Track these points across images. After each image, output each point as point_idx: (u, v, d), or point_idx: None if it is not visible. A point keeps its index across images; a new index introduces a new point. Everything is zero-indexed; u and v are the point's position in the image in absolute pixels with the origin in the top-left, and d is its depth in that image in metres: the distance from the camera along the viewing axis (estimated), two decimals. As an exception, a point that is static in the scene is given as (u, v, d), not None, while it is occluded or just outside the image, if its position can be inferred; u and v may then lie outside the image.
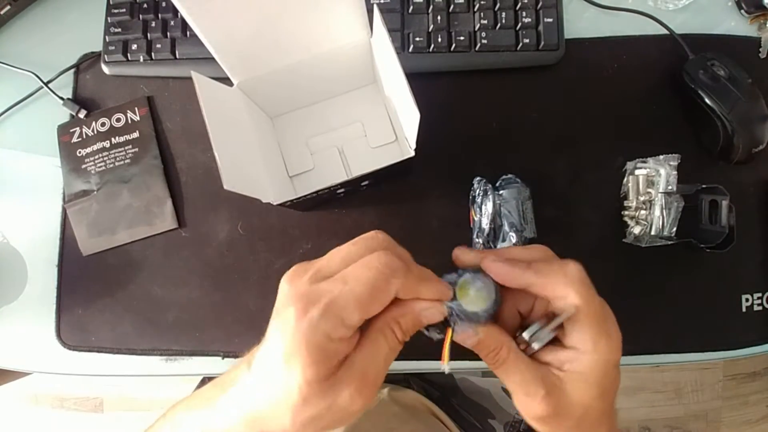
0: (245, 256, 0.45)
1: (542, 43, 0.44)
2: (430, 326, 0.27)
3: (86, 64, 0.48)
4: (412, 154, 0.36)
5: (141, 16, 0.46)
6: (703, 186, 0.42)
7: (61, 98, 0.47)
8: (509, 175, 0.43)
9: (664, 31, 0.46)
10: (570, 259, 0.27)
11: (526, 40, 0.44)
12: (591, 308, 0.26)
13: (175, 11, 0.46)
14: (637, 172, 0.43)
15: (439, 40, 0.44)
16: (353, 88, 0.45)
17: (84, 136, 0.47)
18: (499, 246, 0.41)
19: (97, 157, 0.47)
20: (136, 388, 1.21)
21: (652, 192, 0.42)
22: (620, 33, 0.47)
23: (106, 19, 0.47)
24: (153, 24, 0.46)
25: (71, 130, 0.47)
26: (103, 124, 0.47)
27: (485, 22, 0.45)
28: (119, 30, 0.46)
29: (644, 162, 0.43)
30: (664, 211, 0.41)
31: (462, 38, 0.44)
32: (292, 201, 0.37)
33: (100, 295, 0.45)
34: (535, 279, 0.26)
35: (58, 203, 0.47)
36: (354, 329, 0.24)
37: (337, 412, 0.24)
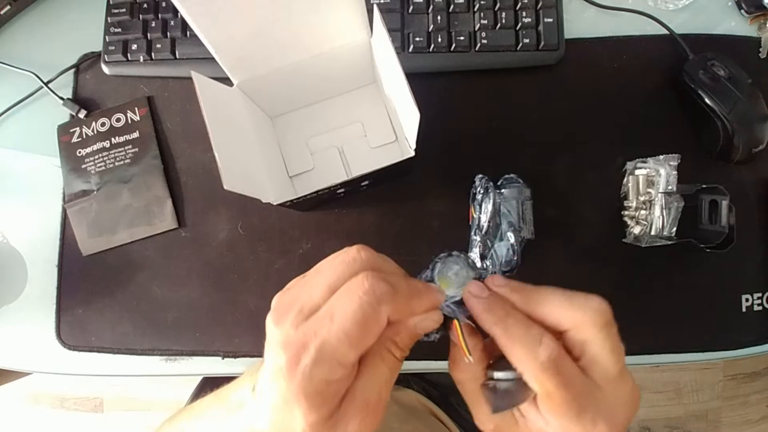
0: (245, 256, 0.45)
1: (542, 43, 0.44)
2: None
3: (86, 64, 0.48)
4: (412, 154, 0.36)
5: (141, 16, 0.46)
6: (703, 186, 0.42)
7: (61, 98, 0.47)
8: (511, 175, 0.43)
9: (664, 31, 0.46)
10: (590, 323, 0.23)
11: (526, 40, 0.44)
12: (560, 397, 0.22)
13: (175, 11, 0.46)
14: (637, 172, 0.43)
15: (439, 40, 0.44)
16: (353, 88, 0.45)
17: (84, 136, 0.47)
18: (496, 245, 0.41)
19: (97, 157, 0.47)
20: (136, 388, 1.21)
21: (652, 192, 0.42)
22: (620, 33, 0.47)
23: (106, 19, 0.47)
24: (153, 24, 0.46)
25: (71, 130, 0.47)
26: (103, 124, 0.47)
27: (485, 22, 0.45)
28: (119, 30, 0.46)
29: (644, 162, 0.43)
30: (664, 211, 0.41)
31: (462, 38, 0.44)
32: (292, 201, 0.37)
33: (100, 295, 0.45)
34: (503, 338, 0.24)
35: (58, 203, 0.47)
36: (352, 365, 0.23)
37: None
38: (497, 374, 0.25)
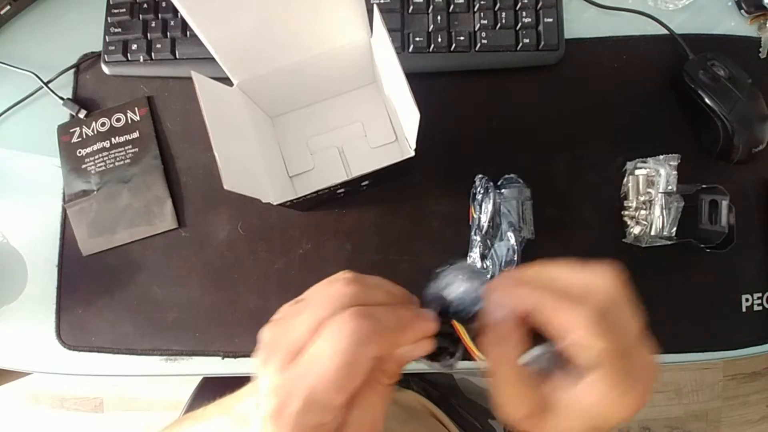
0: (245, 256, 0.45)
1: (542, 43, 0.44)
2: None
3: (86, 64, 0.48)
4: (412, 154, 0.36)
5: (141, 16, 0.46)
6: (703, 186, 0.42)
7: (61, 98, 0.47)
8: (511, 175, 0.43)
9: (664, 31, 0.46)
10: (605, 287, 0.24)
11: (526, 40, 0.44)
12: (607, 357, 0.22)
13: (175, 11, 0.46)
14: (637, 172, 0.43)
15: (439, 40, 0.44)
16: (353, 88, 0.45)
17: (84, 136, 0.47)
18: (496, 245, 0.41)
19: (97, 157, 0.47)
20: (136, 388, 1.21)
21: (652, 192, 0.42)
22: (620, 33, 0.47)
23: (106, 19, 0.47)
24: (153, 24, 0.46)
25: (71, 130, 0.47)
26: (103, 124, 0.47)
27: (485, 22, 0.45)
28: (119, 30, 0.46)
29: (644, 162, 0.43)
30: (664, 211, 0.41)
31: (462, 38, 0.44)
32: (292, 201, 0.37)
33: (100, 295, 0.45)
34: (547, 303, 0.23)
35: (58, 203, 0.47)
36: (342, 406, 0.22)
37: None
38: (534, 351, 0.25)
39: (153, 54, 0.46)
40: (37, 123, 0.48)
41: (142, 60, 0.46)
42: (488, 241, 0.41)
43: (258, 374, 0.23)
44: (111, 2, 0.47)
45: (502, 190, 0.41)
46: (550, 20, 0.45)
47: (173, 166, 0.46)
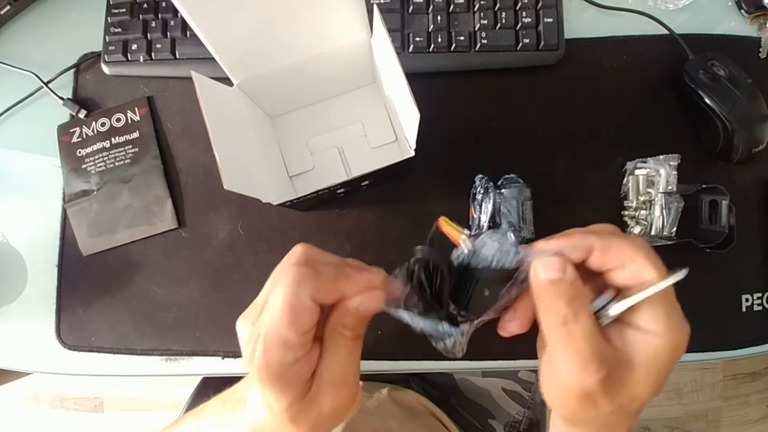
0: (245, 256, 0.45)
1: (542, 43, 0.44)
2: (402, 304, 0.27)
3: (86, 64, 0.48)
4: (412, 154, 0.36)
5: (141, 16, 0.46)
6: (703, 186, 0.42)
7: (61, 98, 0.47)
8: (511, 175, 0.43)
9: (664, 31, 0.46)
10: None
11: (526, 40, 0.44)
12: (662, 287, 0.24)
13: (175, 11, 0.46)
14: (637, 172, 0.43)
15: (439, 40, 0.44)
16: (353, 88, 0.45)
17: (84, 136, 0.47)
18: None
19: (97, 157, 0.47)
20: (136, 388, 1.21)
21: (652, 192, 0.42)
22: (620, 33, 0.47)
23: (106, 19, 0.47)
24: (153, 24, 0.46)
25: (71, 130, 0.47)
26: (103, 124, 0.47)
27: (485, 22, 0.45)
28: (119, 30, 0.46)
29: (644, 162, 0.43)
30: (664, 211, 0.41)
31: (462, 38, 0.44)
32: (292, 201, 0.37)
33: (100, 295, 0.45)
34: (599, 242, 0.25)
35: (58, 203, 0.47)
36: (304, 347, 0.25)
37: (329, 417, 0.26)
38: (597, 301, 0.25)
39: (153, 54, 0.46)
40: (37, 123, 0.48)
41: (142, 60, 0.46)
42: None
43: (237, 331, 0.27)
44: (111, 2, 0.47)
45: (502, 190, 0.41)
46: (550, 20, 0.45)
47: (173, 166, 0.46)
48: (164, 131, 0.47)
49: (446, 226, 0.29)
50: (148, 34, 0.46)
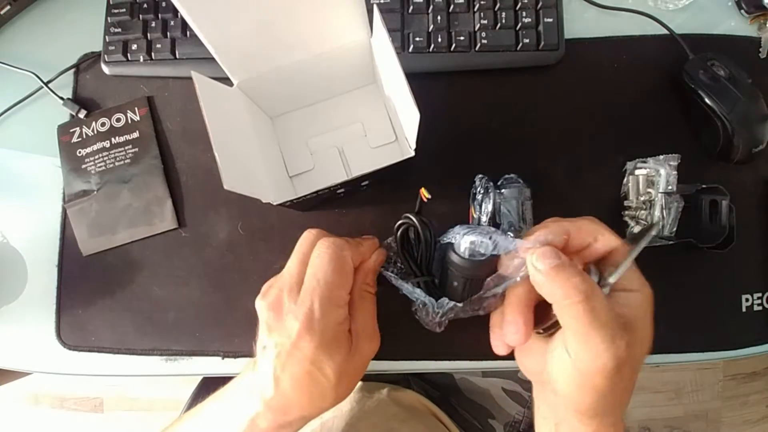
0: (245, 256, 0.45)
1: (542, 43, 0.44)
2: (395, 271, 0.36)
3: (86, 64, 0.48)
4: (412, 154, 0.36)
5: (141, 16, 0.46)
6: (703, 186, 0.42)
7: (61, 98, 0.47)
8: (511, 175, 0.43)
9: (664, 31, 0.46)
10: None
11: (526, 40, 0.44)
12: (623, 247, 0.28)
13: (175, 11, 0.46)
14: (637, 172, 0.43)
15: (439, 40, 0.44)
16: (353, 88, 0.45)
17: (84, 136, 0.47)
18: None
19: (97, 157, 0.47)
20: (136, 388, 1.21)
21: (652, 192, 0.42)
22: (620, 33, 0.47)
23: (106, 19, 0.47)
24: (153, 24, 0.46)
25: (71, 130, 0.47)
26: (103, 124, 0.47)
27: (485, 22, 0.45)
28: (119, 30, 0.46)
29: (644, 162, 0.43)
30: (664, 211, 0.41)
31: (462, 38, 0.44)
32: (292, 201, 0.37)
33: (100, 295, 0.45)
34: (571, 225, 0.29)
35: (58, 203, 0.47)
36: (347, 304, 0.29)
37: (362, 368, 0.30)
38: (611, 279, 0.27)
39: (153, 54, 0.46)
40: (37, 123, 0.48)
41: (142, 60, 0.46)
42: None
43: (271, 321, 0.30)
44: (111, 2, 0.47)
45: (502, 190, 0.41)
46: (550, 20, 0.45)
47: (173, 166, 0.46)
48: (164, 131, 0.47)
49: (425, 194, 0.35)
50: (148, 34, 0.46)
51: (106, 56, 0.47)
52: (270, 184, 0.39)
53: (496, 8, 0.45)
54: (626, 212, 0.43)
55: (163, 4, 0.46)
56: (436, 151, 0.44)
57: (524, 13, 0.44)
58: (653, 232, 0.29)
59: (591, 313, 0.24)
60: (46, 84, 0.47)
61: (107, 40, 0.46)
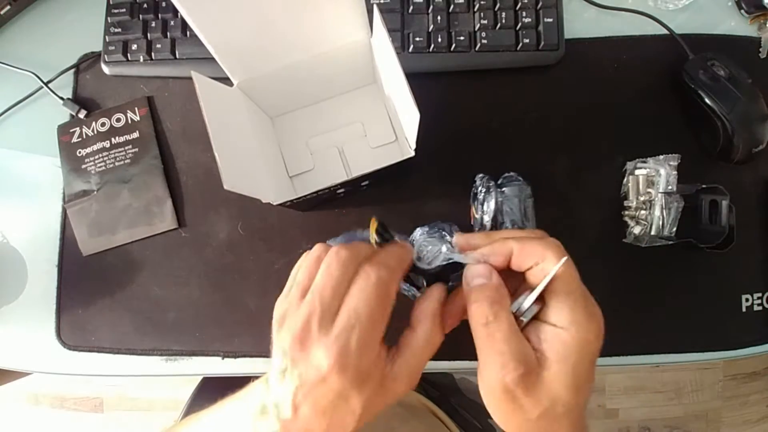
0: (245, 256, 0.45)
1: (542, 43, 0.44)
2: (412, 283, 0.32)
3: (86, 64, 0.48)
4: (412, 154, 0.36)
5: (141, 16, 0.46)
6: (703, 186, 0.42)
7: (61, 98, 0.47)
8: (511, 173, 0.43)
9: (664, 31, 0.46)
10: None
11: (526, 40, 0.44)
12: (568, 278, 0.26)
13: (175, 11, 0.46)
14: (637, 172, 0.43)
15: (439, 40, 0.44)
16: (353, 88, 0.45)
17: (84, 136, 0.47)
18: None
19: (97, 157, 0.47)
20: (136, 388, 1.21)
21: (652, 192, 0.42)
22: (620, 33, 0.47)
23: (106, 19, 0.47)
24: (153, 24, 0.46)
25: (71, 130, 0.47)
26: (103, 124, 0.47)
27: (485, 22, 0.45)
28: (119, 30, 0.46)
29: (644, 162, 0.43)
30: (664, 211, 0.41)
31: (462, 38, 0.44)
32: (292, 201, 0.37)
33: (100, 295, 0.45)
34: (516, 245, 0.27)
35: (58, 203, 0.47)
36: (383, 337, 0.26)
37: (392, 400, 0.27)
38: (524, 304, 0.26)
39: (153, 54, 0.46)
40: (37, 123, 0.48)
41: (142, 60, 0.46)
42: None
43: (295, 351, 0.25)
44: (111, 2, 0.47)
45: (504, 189, 0.41)
46: (550, 20, 0.45)
47: (173, 166, 0.46)
48: (164, 131, 0.47)
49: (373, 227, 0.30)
50: (148, 34, 0.46)
51: (106, 56, 0.47)
52: (270, 184, 0.39)
53: (496, 8, 0.45)
54: (626, 212, 0.43)
55: (163, 4, 0.46)
56: (436, 151, 0.44)
57: (524, 13, 0.44)
58: (560, 264, 0.25)
59: (489, 338, 0.25)
60: (46, 84, 0.47)
61: (107, 40, 0.46)
